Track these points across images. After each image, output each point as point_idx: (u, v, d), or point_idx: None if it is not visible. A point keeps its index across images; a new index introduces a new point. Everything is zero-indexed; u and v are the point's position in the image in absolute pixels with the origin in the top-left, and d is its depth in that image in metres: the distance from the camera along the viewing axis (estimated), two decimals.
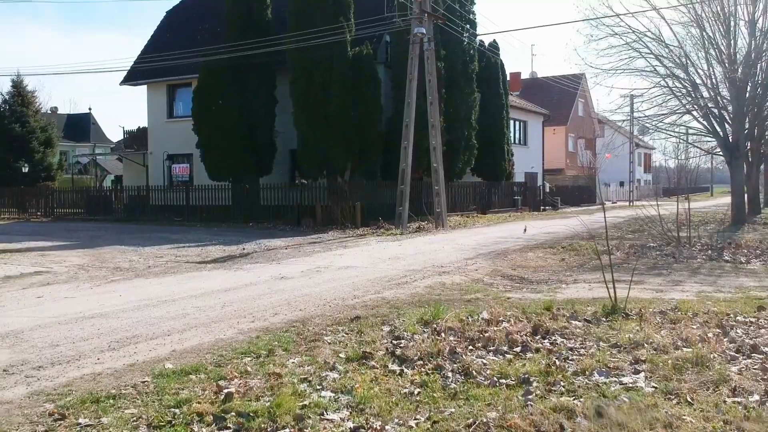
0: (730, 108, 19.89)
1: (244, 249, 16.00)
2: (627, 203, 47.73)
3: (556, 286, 9.71)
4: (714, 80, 20.12)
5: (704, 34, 20.71)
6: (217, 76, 25.59)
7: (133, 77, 32.76)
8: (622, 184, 61.15)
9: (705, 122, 20.98)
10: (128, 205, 31.41)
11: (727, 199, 24.87)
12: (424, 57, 21.30)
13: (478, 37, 30.89)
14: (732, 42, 20.10)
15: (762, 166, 30.46)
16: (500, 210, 32.64)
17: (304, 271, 10.90)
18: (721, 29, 20.36)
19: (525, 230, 15.34)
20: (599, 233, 18.38)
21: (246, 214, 25.62)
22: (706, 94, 19.64)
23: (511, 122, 36.47)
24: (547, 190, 40.27)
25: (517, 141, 39.45)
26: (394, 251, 14.02)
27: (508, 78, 42.10)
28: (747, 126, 20.56)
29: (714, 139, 21.29)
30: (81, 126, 59.67)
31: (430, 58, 21.17)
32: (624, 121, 34.50)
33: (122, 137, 38.50)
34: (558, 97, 51.24)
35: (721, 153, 23.36)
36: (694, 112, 20.63)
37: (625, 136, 38.57)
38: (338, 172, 24.73)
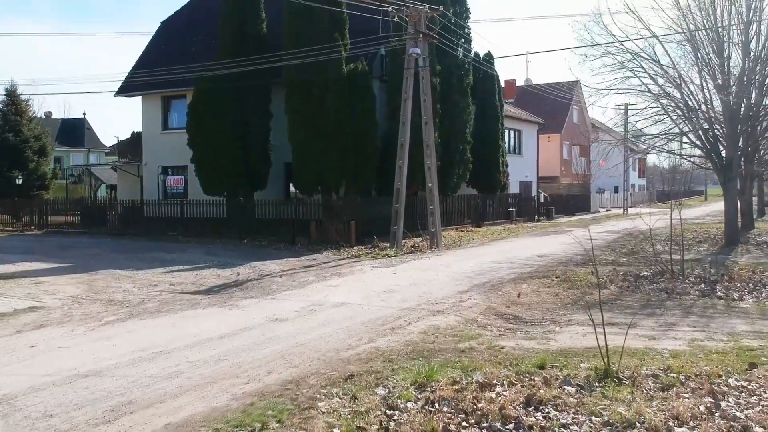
0: (723, 129, 19.96)
1: (238, 275, 16.01)
2: (621, 210, 47.95)
3: (549, 329, 9.74)
4: (708, 102, 20.20)
5: (698, 54, 20.81)
6: (211, 92, 25.57)
7: (127, 89, 32.68)
8: (616, 189, 61.35)
9: (698, 142, 21.06)
10: (122, 218, 31.37)
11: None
12: (419, 76, 21.31)
13: (473, 48, 30.96)
14: (726, 63, 20.18)
15: (755, 182, 30.60)
16: (495, 222, 32.74)
17: (299, 311, 10.90)
18: (715, 49, 20.45)
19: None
20: (594, 257, 18.46)
21: (240, 229, 25.59)
22: (700, 115, 19.67)
23: (506, 131, 36.53)
24: (542, 200, 40.34)
25: (511, 150, 39.52)
26: (388, 282, 14.03)
27: (503, 85, 42.31)
28: (741, 147, 20.65)
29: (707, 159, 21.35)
30: (75, 131, 59.55)
31: (425, 78, 21.19)
32: (619, 134, 34.64)
33: (117, 148, 38.42)
34: (553, 104, 51.36)
35: (712, 169, 23.42)
36: (689, 134, 20.69)
37: (619, 140, 38.68)
38: (333, 188, 24.75)
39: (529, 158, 43.18)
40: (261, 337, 9.10)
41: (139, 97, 33.00)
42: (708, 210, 51.77)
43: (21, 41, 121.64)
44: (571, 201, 44.88)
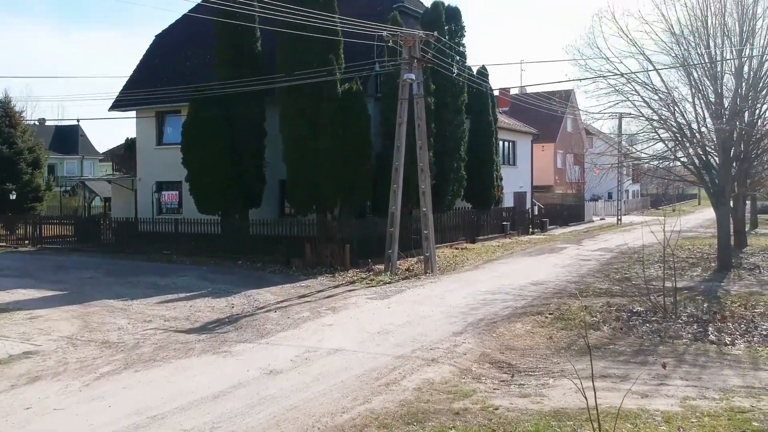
0: (716, 156, 20.07)
1: (232, 307, 16.04)
2: (615, 219, 48.07)
3: (543, 382, 9.79)
4: (701, 123, 20.33)
5: (691, 79, 20.90)
6: (205, 112, 25.55)
7: (121, 104, 32.64)
8: (610, 195, 61.52)
9: (692, 166, 21.16)
10: (117, 232, 31.31)
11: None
12: (413, 100, 21.34)
13: (467, 62, 30.93)
14: (719, 87, 20.29)
15: (748, 198, 30.73)
16: (489, 237, 32.83)
17: (294, 360, 10.92)
18: (707, 72, 20.55)
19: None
20: (587, 284, 18.56)
21: (235, 248, 25.57)
22: (693, 142, 19.77)
23: (500, 143, 36.57)
24: (536, 212, 40.43)
25: (505, 161, 39.58)
26: (382, 319, 14.06)
27: (497, 94, 42.27)
28: (734, 172, 20.77)
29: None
30: (69, 138, 59.41)
31: (419, 102, 21.23)
32: (613, 140, 34.77)
33: (112, 162, 38.37)
34: (547, 113, 51.38)
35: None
36: (683, 159, 20.78)
37: (613, 146, 38.80)
38: (328, 208, 24.78)
39: (524, 169, 43.26)
40: (255, 396, 9.11)
41: (133, 112, 33.03)
42: (702, 218, 52.01)
43: (16, 40, 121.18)
44: (565, 212, 45.00)
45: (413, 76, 20.53)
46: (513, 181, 40.30)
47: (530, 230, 38.15)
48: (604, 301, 15.76)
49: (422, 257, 21.97)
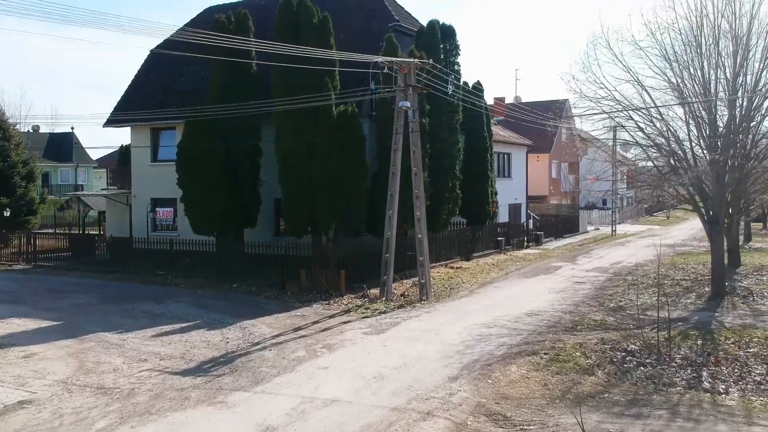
0: (710, 186, 20.14)
1: (227, 342, 16.04)
2: (610, 230, 48.15)
3: None
4: (695, 156, 20.39)
5: (685, 106, 20.97)
6: (200, 132, 25.52)
7: (116, 120, 32.60)
8: (605, 202, 61.65)
9: (686, 193, 21.25)
10: (111, 248, 31.24)
11: None
12: (409, 127, 21.36)
13: (462, 79, 30.90)
14: (713, 117, 20.37)
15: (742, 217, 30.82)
16: (485, 253, 32.92)
17: (289, 413, 10.91)
18: (703, 106, 20.62)
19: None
20: (581, 315, 18.60)
21: (230, 269, 25.56)
22: (689, 172, 19.84)
23: (495, 156, 36.58)
24: (531, 226, 40.51)
25: (500, 173, 39.61)
26: (378, 361, 14.03)
27: (492, 103, 42.29)
28: (728, 200, 20.87)
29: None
30: (63, 146, 59.23)
31: (414, 129, 21.24)
32: (608, 146, 34.83)
33: (108, 177, 38.27)
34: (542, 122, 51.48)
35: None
36: (677, 187, 20.86)
37: (607, 153, 38.90)
38: (323, 230, 24.78)
39: (518, 180, 43.34)
40: None
41: (128, 128, 32.99)
42: (695, 226, 51.90)
43: (9, 40, 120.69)
44: (560, 224, 45.08)
45: (408, 104, 20.54)
46: (508, 193, 40.37)
47: (525, 244, 38.22)
48: (599, 338, 15.79)
49: (417, 281, 21.99)
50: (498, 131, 39.98)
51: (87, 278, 26.92)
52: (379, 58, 20.85)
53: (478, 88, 33.13)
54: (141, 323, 18.39)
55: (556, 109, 50.45)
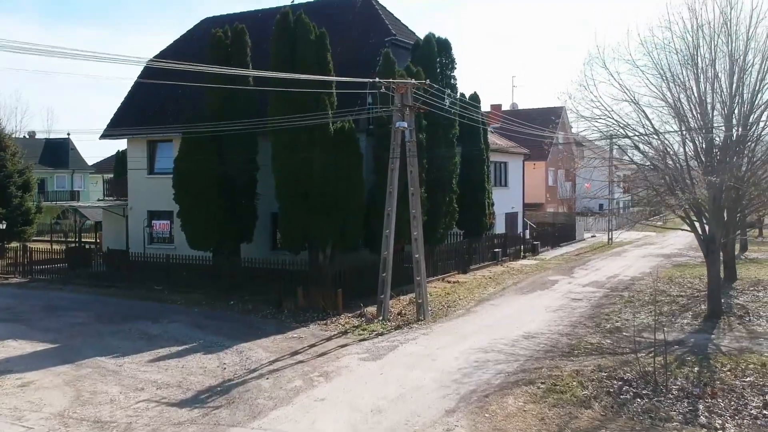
0: (707, 207, 20.19)
1: (224, 369, 16.03)
2: (606, 237, 48.19)
3: None
4: (692, 177, 20.43)
5: (682, 126, 21.01)
6: (197, 148, 25.54)
7: (113, 131, 32.59)
8: (601, 206, 61.69)
9: (683, 213, 21.28)
10: (108, 260, 31.22)
11: None
12: (405, 147, 21.37)
13: (458, 90, 30.88)
14: (710, 137, 20.41)
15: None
16: (482, 265, 32.97)
17: None
18: (697, 114, 20.68)
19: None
20: (578, 337, 18.61)
21: (227, 284, 25.57)
22: (686, 194, 19.87)
23: (492, 165, 36.57)
24: (527, 236, 40.57)
25: (497, 182, 39.63)
26: (375, 393, 14.01)
27: (489, 109, 42.32)
28: (725, 219, 20.94)
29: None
30: (59, 152, 59.14)
31: (411, 149, 21.24)
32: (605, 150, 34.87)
33: (104, 188, 38.25)
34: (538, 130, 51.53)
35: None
36: (674, 208, 20.92)
37: (604, 158, 38.95)
38: (320, 247, 24.76)
39: (515, 189, 43.38)
40: None
41: (125, 139, 32.98)
42: (691, 236, 52.10)
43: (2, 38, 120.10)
44: (556, 232, 45.15)
45: (405, 124, 20.54)
46: (504, 202, 40.40)
47: (522, 254, 38.25)
48: (596, 364, 15.80)
49: (414, 299, 22.00)
50: (494, 140, 39.98)
51: (84, 293, 26.93)
52: (376, 80, 20.84)
53: (474, 99, 33.15)
54: (138, 346, 18.37)
55: (553, 116, 50.71)
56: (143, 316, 22.08)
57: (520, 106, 61.45)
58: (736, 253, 32.33)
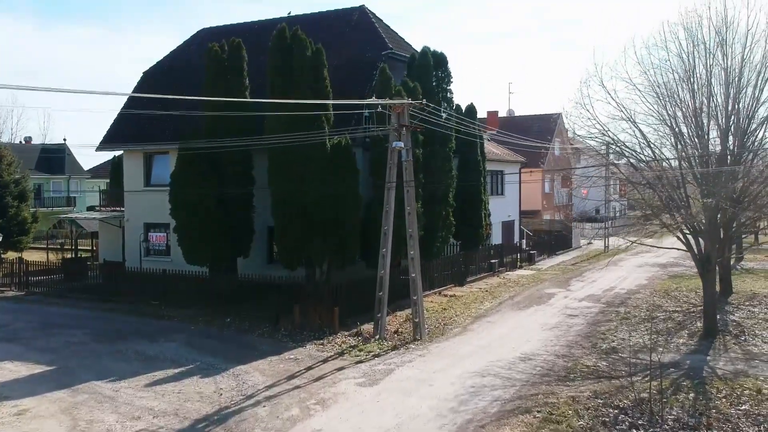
0: (703, 226, 20.25)
1: (221, 395, 16.03)
2: (603, 245, 48.25)
3: None
4: (688, 198, 20.51)
5: (678, 145, 21.09)
6: (193, 163, 25.53)
7: (109, 143, 32.57)
8: (598, 211, 61.78)
9: (679, 233, 21.34)
10: (104, 272, 31.18)
11: None
12: (402, 166, 21.38)
13: (454, 103, 30.88)
14: (706, 159, 20.48)
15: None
16: (478, 277, 33.01)
17: None
18: (695, 133, 20.75)
19: None
20: (574, 359, 18.64)
21: (223, 297, 25.56)
22: (682, 212, 19.95)
23: (488, 174, 36.62)
24: (524, 246, 40.62)
25: (493, 191, 39.70)
26: (371, 422, 14.06)
27: (485, 115, 42.30)
28: (720, 239, 21.00)
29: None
30: (56, 158, 58.97)
31: (408, 168, 21.26)
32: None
33: (99, 199, 38.20)
34: (536, 136, 51.55)
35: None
36: (671, 228, 20.97)
37: (601, 163, 38.99)
38: (317, 263, 24.76)
39: (511, 197, 43.46)
40: None
41: (122, 150, 32.94)
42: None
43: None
44: (553, 241, 45.21)
45: (401, 144, 20.55)
46: (501, 211, 40.49)
47: (519, 264, 38.31)
48: (592, 390, 15.84)
49: (411, 316, 22.03)
50: (491, 149, 40.04)
51: (80, 308, 26.91)
52: (373, 99, 20.86)
53: (470, 111, 33.20)
54: (134, 368, 18.36)
55: (550, 124, 50.73)
56: (140, 335, 22.08)
57: (517, 113, 61.43)
58: (732, 262, 32.40)
